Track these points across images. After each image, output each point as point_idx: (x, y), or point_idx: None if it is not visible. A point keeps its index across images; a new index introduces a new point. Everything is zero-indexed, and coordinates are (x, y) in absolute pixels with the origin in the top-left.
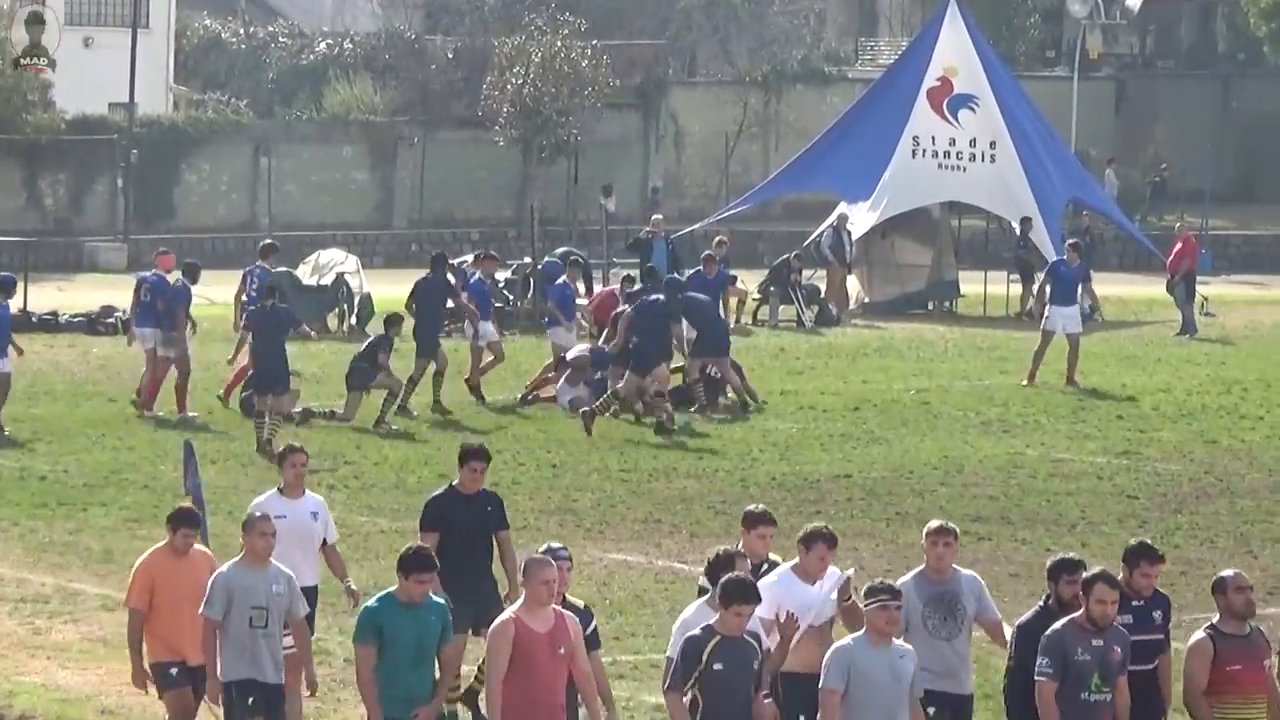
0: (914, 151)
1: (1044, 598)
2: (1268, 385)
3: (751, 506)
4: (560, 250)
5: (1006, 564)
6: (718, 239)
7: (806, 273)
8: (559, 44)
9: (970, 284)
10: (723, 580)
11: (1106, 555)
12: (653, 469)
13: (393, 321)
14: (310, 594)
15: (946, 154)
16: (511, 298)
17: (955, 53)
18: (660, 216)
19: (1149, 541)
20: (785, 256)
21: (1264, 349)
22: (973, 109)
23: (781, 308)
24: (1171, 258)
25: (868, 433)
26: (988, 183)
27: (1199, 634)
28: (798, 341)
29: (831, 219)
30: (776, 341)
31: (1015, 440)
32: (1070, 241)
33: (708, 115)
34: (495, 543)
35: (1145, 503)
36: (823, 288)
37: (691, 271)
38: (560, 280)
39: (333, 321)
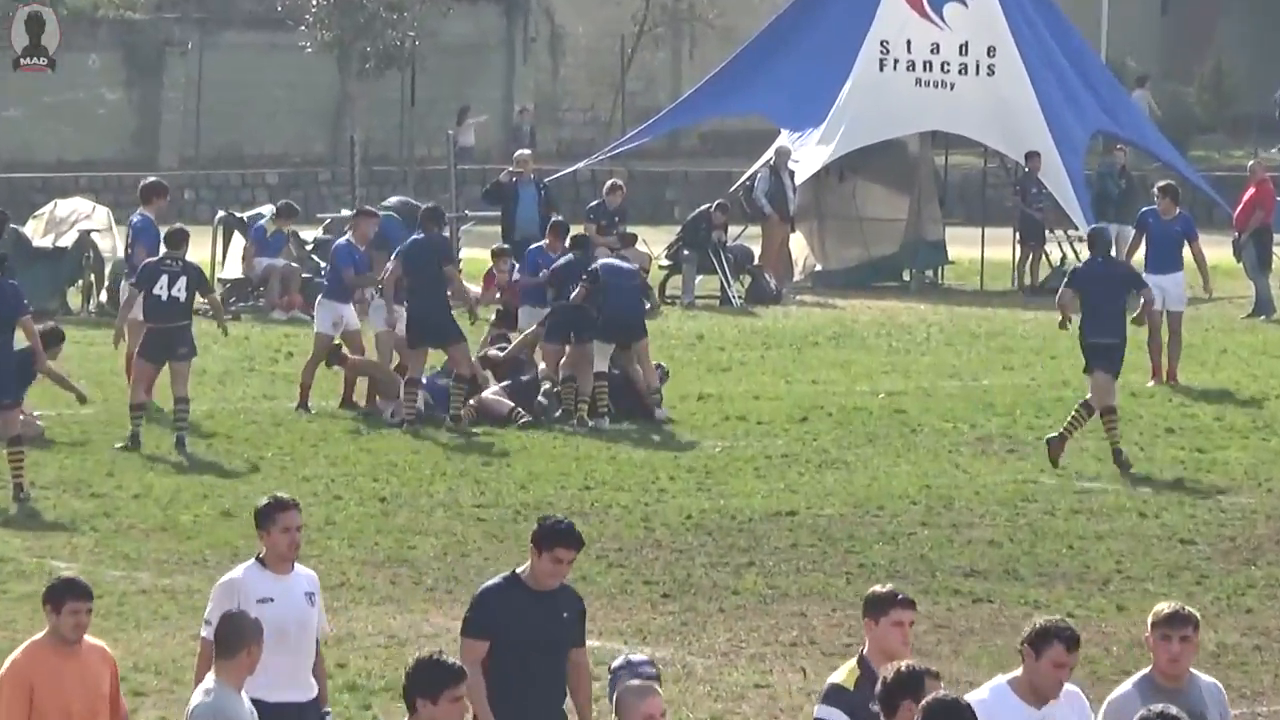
0: (882, 62)
1: None
2: None
3: (877, 586)
4: (393, 200)
5: (1013, 635)
6: (610, 183)
7: (734, 230)
8: None
9: (961, 246)
10: (924, 705)
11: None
12: (520, 503)
13: (177, 240)
14: (311, 713)
15: (928, 65)
16: (325, 266)
17: None
18: (528, 152)
19: None
20: (704, 208)
21: None
22: (964, 3)
23: (699, 279)
24: (1240, 209)
25: (820, 453)
26: (984, 105)
27: None
28: (722, 325)
29: (768, 156)
30: (693, 326)
31: (1025, 463)
32: (1161, 185)
33: (596, 12)
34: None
35: (1205, 549)
36: (757, 251)
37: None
38: (535, 246)
39: (75, 299)
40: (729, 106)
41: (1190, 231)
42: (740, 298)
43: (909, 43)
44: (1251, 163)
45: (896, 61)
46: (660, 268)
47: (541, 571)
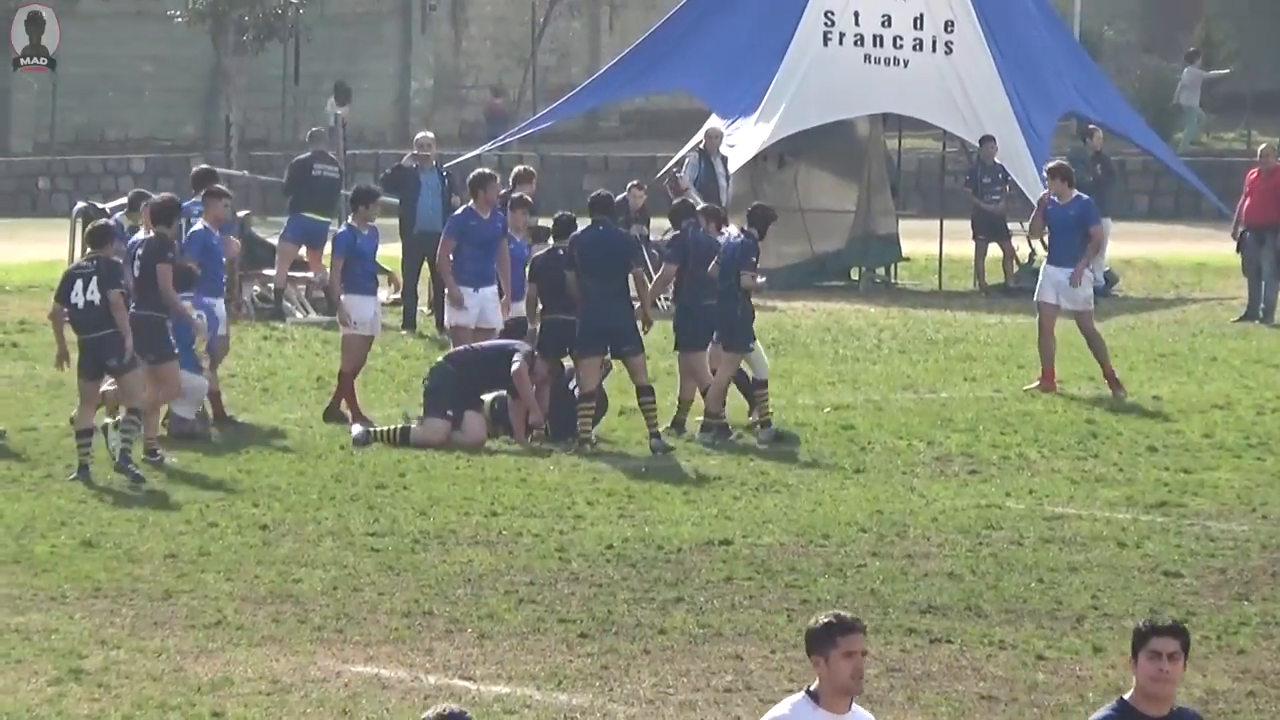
0: (826, 35)
1: None
2: None
3: None
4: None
5: (975, 679)
6: (519, 170)
7: (659, 224)
8: None
9: (917, 240)
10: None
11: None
12: (420, 531)
13: (100, 238)
14: None
15: (878, 40)
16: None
17: None
18: (430, 135)
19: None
20: (624, 196)
21: None
22: None
23: None
24: (1249, 200)
25: (757, 475)
26: (941, 85)
27: None
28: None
29: (698, 139)
30: None
31: (989, 485)
32: (1050, 166)
33: None
34: None
35: (1192, 582)
36: None
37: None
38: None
39: None
40: (653, 83)
41: (1090, 216)
42: (667, 299)
43: (857, 15)
44: (1263, 146)
45: (843, 35)
46: None
47: (1150, 681)
